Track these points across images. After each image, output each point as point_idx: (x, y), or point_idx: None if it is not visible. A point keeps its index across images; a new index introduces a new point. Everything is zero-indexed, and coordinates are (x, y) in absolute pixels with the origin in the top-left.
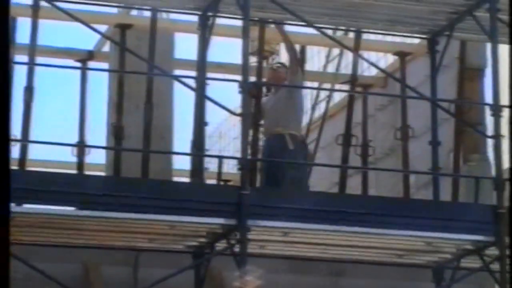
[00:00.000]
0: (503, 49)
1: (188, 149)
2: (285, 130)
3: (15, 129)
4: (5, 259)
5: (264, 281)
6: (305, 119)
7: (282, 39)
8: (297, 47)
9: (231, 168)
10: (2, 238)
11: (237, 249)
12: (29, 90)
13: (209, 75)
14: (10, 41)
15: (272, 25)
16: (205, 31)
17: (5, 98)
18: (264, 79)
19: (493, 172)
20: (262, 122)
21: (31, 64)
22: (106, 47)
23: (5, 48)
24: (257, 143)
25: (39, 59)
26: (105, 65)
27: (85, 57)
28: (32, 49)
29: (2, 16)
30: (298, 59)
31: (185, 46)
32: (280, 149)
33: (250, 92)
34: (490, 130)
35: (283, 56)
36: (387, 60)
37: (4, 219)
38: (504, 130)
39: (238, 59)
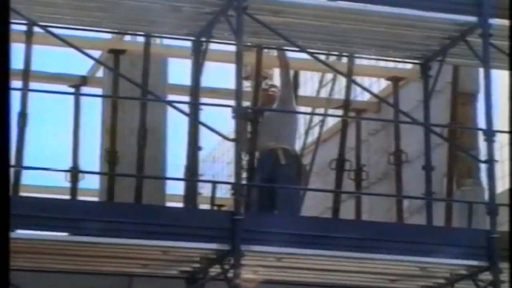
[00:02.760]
0: (496, 74)
1: (181, 174)
2: (277, 145)
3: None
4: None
5: None
6: (299, 144)
7: (281, 64)
8: (291, 72)
9: (224, 192)
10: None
11: (230, 274)
12: (22, 116)
13: (203, 100)
14: (9, 70)
15: (266, 50)
16: (199, 56)
17: (4, 124)
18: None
19: (486, 197)
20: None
21: (25, 90)
22: (100, 73)
23: (5, 77)
24: (252, 167)
25: (33, 85)
26: (98, 91)
27: (79, 83)
28: (26, 74)
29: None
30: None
31: (179, 71)
32: (272, 164)
33: (248, 117)
34: (483, 155)
35: (276, 80)
36: (380, 85)
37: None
38: (497, 155)
39: (231, 84)
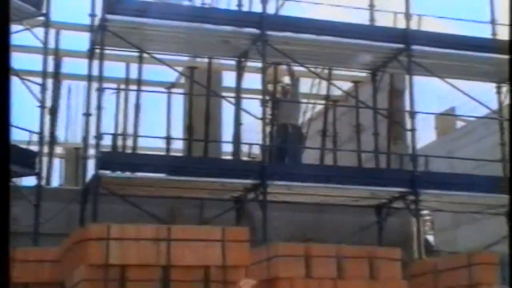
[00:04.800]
0: (417, 79)
1: (231, 139)
2: (287, 121)
3: (130, 129)
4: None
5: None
6: (300, 120)
7: (290, 74)
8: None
9: (257, 150)
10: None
11: (261, 198)
12: (137, 106)
13: (243, 95)
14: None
15: (280, 66)
16: (240, 70)
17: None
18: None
19: (410, 151)
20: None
21: (139, 91)
22: (182, 80)
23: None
24: (273, 135)
25: (143, 87)
26: (181, 91)
27: (170, 86)
28: (139, 81)
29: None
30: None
31: (228, 79)
32: (284, 132)
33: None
34: (408, 126)
35: (286, 81)
36: (347, 85)
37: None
38: (409, 124)
39: (259, 85)
